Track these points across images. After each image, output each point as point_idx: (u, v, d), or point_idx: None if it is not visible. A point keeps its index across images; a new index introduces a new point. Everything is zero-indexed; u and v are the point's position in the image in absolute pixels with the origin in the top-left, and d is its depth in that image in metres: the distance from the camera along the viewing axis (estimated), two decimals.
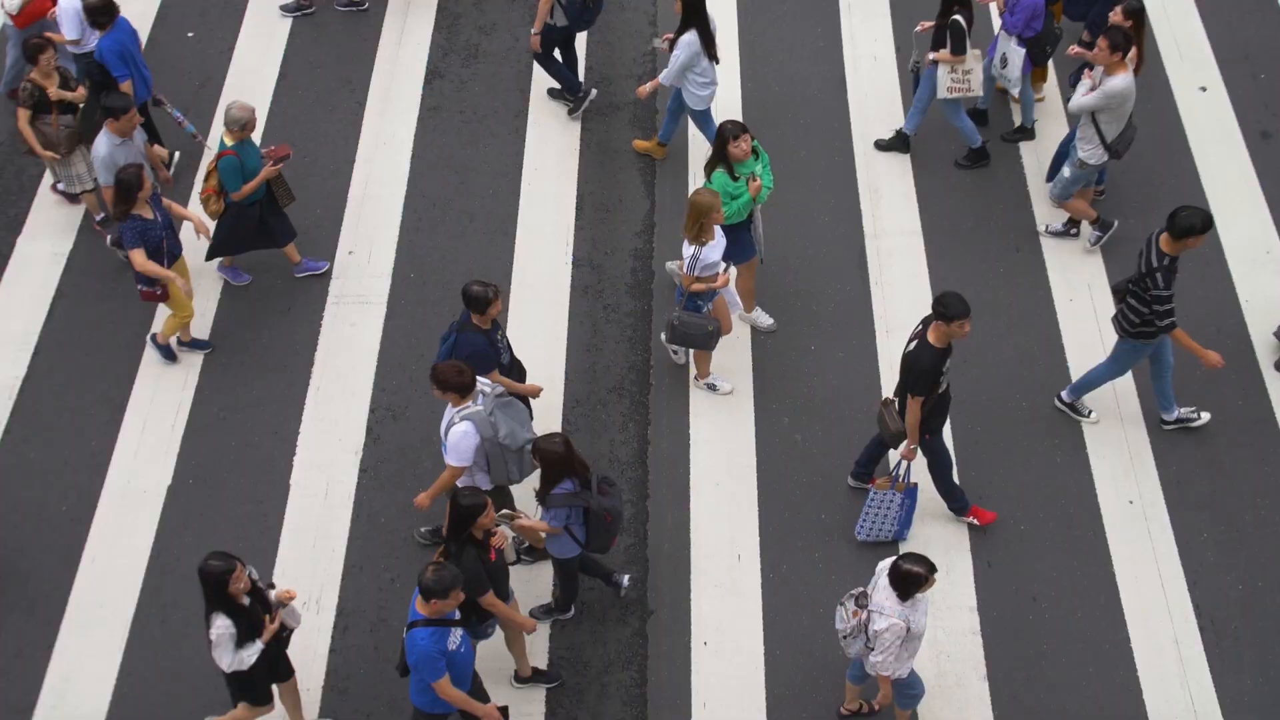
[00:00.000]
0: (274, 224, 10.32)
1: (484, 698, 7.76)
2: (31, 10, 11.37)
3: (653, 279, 10.86)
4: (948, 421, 9.87)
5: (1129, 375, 10.15)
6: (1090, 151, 10.22)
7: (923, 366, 8.38)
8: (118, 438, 9.89)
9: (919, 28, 11.28)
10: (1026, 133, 11.79)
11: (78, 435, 9.92)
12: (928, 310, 10.54)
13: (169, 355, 10.26)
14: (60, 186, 10.99)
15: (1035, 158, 11.69)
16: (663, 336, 9.78)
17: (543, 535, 8.18)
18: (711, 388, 10.08)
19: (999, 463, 9.64)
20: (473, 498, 7.47)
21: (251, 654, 7.48)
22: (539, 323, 10.54)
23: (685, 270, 9.24)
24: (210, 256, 10.47)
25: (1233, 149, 11.76)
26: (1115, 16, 10.28)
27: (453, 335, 8.63)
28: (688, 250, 9.21)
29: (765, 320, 10.47)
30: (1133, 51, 10.11)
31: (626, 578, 8.90)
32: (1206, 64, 12.48)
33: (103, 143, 9.75)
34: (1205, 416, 9.82)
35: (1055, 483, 9.57)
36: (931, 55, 10.91)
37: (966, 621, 8.89)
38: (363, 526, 9.41)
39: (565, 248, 11.10)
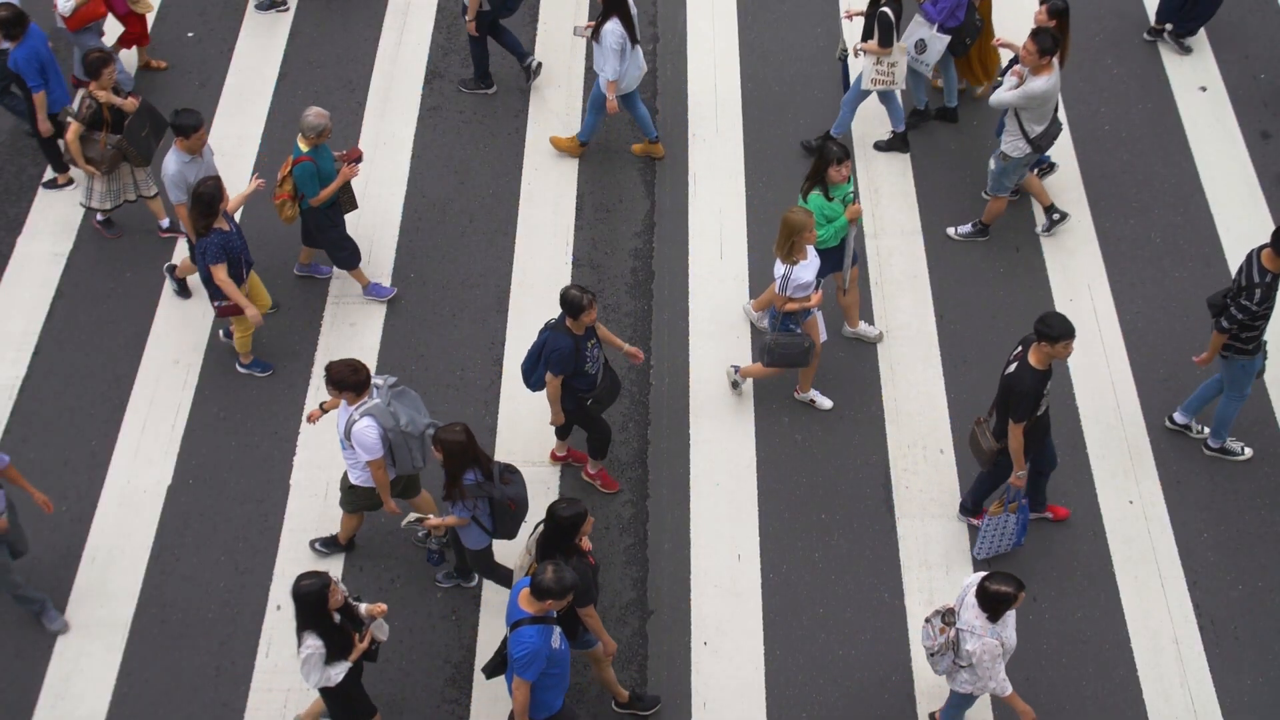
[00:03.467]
0: None
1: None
2: (84, 13, 11.12)
3: (652, 279, 10.86)
4: (949, 425, 9.90)
5: (1129, 375, 10.15)
6: (1012, 144, 10.27)
7: (1024, 389, 8.16)
8: (118, 438, 9.89)
9: (845, 15, 11.35)
10: (949, 113, 11.90)
11: (78, 435, 9.92)
12: (928, 310, 10.61)
13: (264, 368, 10.23)
14: (94, 203, 10.60)
15: None
16: (760, 362, 9.60)
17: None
18: (812, 403, 10.00)
19: None
20: (573, 507, 7.50)
21: (339, 672, 7.42)
22: (539, 323, 10.48)
23: (777, 290, 9.13)
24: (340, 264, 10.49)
25: (1233, 149, 11.76)
26: (1040, 17, 10.30)
27: (545, 333, 8.68)
28: (779, 269, 9.10)
29: (873, 331, 10.36)
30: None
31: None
32: (1206, 64, 12.48)
33: (172, 161, 9.60)
34: (1209, 430, 9.70)
35: (1055, 482, 9.56)
36: (859, 45, 10.97)
37: None
38: (362, 526, 9.40)
39: (565, 248, 11.09)
